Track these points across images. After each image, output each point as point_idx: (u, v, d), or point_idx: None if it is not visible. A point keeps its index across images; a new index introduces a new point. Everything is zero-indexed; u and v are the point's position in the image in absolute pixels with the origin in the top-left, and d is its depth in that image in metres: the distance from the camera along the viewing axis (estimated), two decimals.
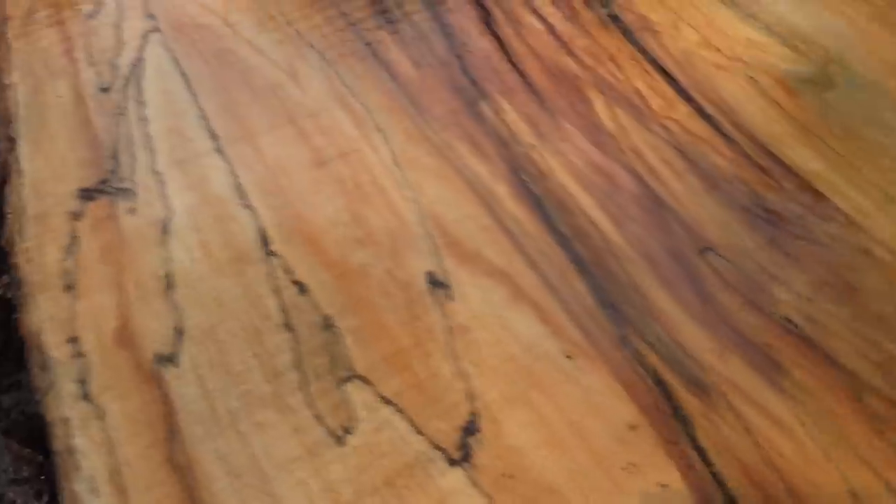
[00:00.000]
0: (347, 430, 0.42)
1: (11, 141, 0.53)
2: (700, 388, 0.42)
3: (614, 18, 0.60)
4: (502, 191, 0.52)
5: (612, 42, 0.59)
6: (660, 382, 0.43)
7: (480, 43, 0.60)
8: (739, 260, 0.47)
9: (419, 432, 0.42)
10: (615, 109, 0.55)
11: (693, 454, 0.40)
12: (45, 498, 0.46)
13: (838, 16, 0.60)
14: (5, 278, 0.50)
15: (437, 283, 0.47)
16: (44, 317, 0.44)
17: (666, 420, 0.41)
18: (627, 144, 0.53)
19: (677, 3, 0.61)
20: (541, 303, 0.46)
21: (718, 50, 0.58)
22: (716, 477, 0.39)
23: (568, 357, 0.44)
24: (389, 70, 0.59)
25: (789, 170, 0.51)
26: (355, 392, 0.44)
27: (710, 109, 0.54)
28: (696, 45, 0.58)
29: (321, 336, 0.46)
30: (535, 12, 0.62)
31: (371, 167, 0.54)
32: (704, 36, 0.59)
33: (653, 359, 0.44)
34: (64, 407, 0.41)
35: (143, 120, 0.55)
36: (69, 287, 0.46)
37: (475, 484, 0.39)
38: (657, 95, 0.55)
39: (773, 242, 0.48)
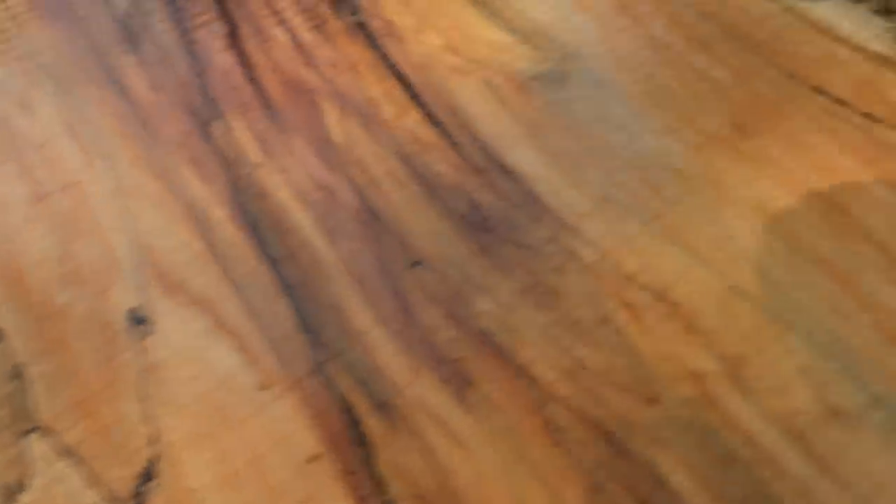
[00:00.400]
0: (21, 487, 0.40)
1: None
2: (387, 411, 0.41)
3: (361, 26, 0.59)
4: (221, 214, 0.50)
5: (355, 50, 0.57)
6: (348, 409, 0.41)
7: (223, 59, 0.58)
8: (448, 271, 0.46)
9: (95, 483, 0.40)
10: (347, 120, 0.53)
11: (369, 483, 0.39)
12: None
13: (583, 10, 0.59)
14: None
15: (137, 319, 0.45)
16: None
17: (349, 448, 0.40)
18: (354, 156, 0.52)
19: (425, 6, 0.60)
20: (241, 331, 0.45)
21: (459, 53, 0.57)
22: None
23: (262, 388, 0.43)
24: (126, 94, 0.57)
25: (510, 173, 0.50)
26: (36, 444, 0.41)
27: (441, 115, 0.53)
28: (438, 49, 0.57)
29: (8, 386, 0.43)
30: (283, 24, 0.60)
31: (90, 198, 0.51)
32: (448, 39, 0.58)
33: (346, 383, 0.42)
34: None
35: None
36: None
37: None
38: (391, 103, 0.54)
39: (484, 250, 0.47)
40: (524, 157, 0.51)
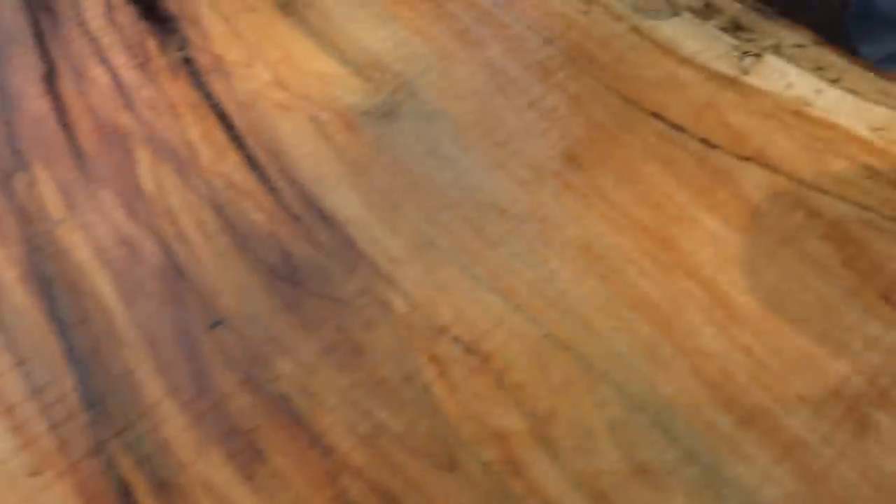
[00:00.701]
0: None
1: None
2: (168, 492, 0.38)
3: (188, 61, 0.56)
4: (12, 277, 0.46)
5: (177, 89, 0.54)
6: (126, 491, 0.38)
7: (36, 104, 0.55)
8: (250, 330, 0.43)
9: None
10: (160, 167, 0.50)
11: None
12: None
13: (419, 36, 0.57)
14: None
15: None
16: None
17: None
18: (163, 207, 0.48)
19: (257, 37, 0.57)
20: (18, 410, 0.41)
21: (288, 88, 0.54)
22: None
23: (33, 474, 0.39)
24: None
25: (328, 219, 0.47)
26: None
27: (262, 157, 0.50)
28: (265, 84, 0.54)
29: None
30: (105, 62, 0.56)
31: None
32: (276, 74, 0.55)
33: (127, 463, 0.39)
34: None
35: None
36: None
37: None
38: (210, 146, 0.51)
39: (292, 306, 0.44)
40: (344, 201, 0.48)
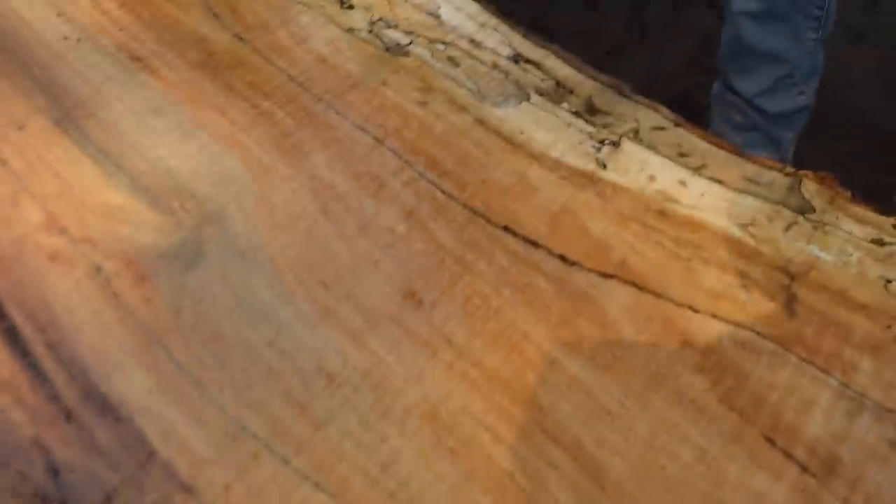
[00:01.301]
0: None
1: None
2: None
3: None
4: None
5: None
6: None
7: None
8: None
9: None
10: None
11: None
12: None
13: (231, 148, 0.49)
14: None
15: None
16: None
17: None
18: None
19: (24, 164, 0.48)
20: None
21: (64, 230, 0.45)
22: None
23: None
24: None
25: (110, 409, 0.38)
26: None
27: (27, 330, 0.41)
28: (35, 227, 0.45)
29: None
30: None
31: None
32: (51, 211, 0.45)
33: None
34: None
35: None
36: None
37: None
38: None
39: None
40: (132, 384, 0.39)
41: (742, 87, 1.02)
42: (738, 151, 0.49)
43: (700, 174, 0.48)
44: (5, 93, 0.52)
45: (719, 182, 0.47)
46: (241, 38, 0.56)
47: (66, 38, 0.55)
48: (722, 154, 0.49)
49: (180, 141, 0.49)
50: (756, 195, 0.47)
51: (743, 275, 0.43)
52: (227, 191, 0.47)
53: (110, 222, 0.45)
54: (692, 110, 1.29)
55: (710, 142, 0.50)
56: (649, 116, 0.51)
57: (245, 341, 0.41)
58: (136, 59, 0.54)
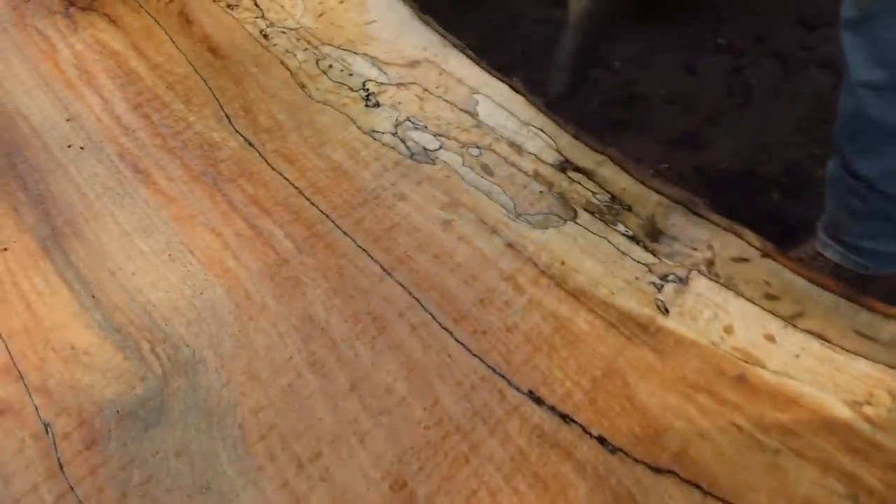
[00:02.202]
0: None
1: None
2: None
3: None
4: None
5: None
6: None
7: None
8: None
9: None
10: None
11: None
12: None
13: (219, 276, 0.43)
14: None
15: None
16: None
17: None
18: None
19: (0, 294, 0.44)
20: None
21: (22, 376, 0.40)
22: None
23: None
24: None
25: None
26: None
27: None
28: None
29: None
30: None
31: None
32: (14, 351, 0.41)
33: None
34: None
35: None
36: None
37: None
38: None
39: None
40: None
41: (863, 168, 0.88)
42: (849, 293, 0.38)
43: (795, 325, 0.38)
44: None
45: (821, 338, 0.37)
46: (250, 144, 0.51)
47: (69, 145, 0.52)
48: (826, 297, 0.38)
49: (166, 266, 0.44)
50: (873, 359, 0.36)
51: (852, 479, 0.32)
52: (205, 331, 0.41)
53: (73, 368, 0.40)
54: (804, 187, 1.16)
55: (809, 279, 0.39)
56: (729, 243, 0.42)
57: None
58: (138, 170, 0.50)
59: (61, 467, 0.36)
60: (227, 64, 0.58)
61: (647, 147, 1.16)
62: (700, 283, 0.40)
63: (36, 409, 0.39)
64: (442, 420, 0.36)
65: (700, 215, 0.43)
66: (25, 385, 0.40)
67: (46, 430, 0.38)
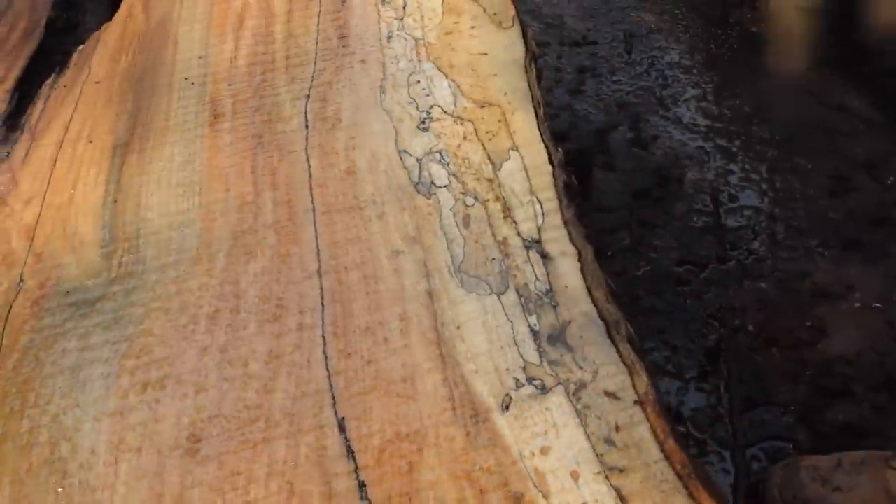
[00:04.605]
0: None
1: None
2: None
3: None
4: None
5: None
6: None
7: None
8: None
9: None
10: None
11: None
12: None
13: (203, 222, 0.54)
14: None
15: None
16: None
17: None
18: None
19: (65, 172, 0.59)
20: None
21: (33, 238, 0.55)
22: None
23: None
24: None
25: None
26: None
27: None
28: (18, 231, 0.56)
29: None
30: None
31: None
32: (43, 216, 0.56)
33: None
34: None
35: None
36: None
37: None
38: None
39: None
40: None
41: None
42: (688, 481, 0.39)
43: (608, 478, 0.39)
44: (108, 112, 0.65)
45: (621, 500, 0.38)
46: (306, 126, 0.62)
47: (186, 77, 0.68)
48: (660, 472, 0.39)
49: (177, 197, 0.57)
50: None
51: None
52: (161, 260, 0.53)
53: (66, 247, 0.54)
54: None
55: (662, 448, 0.40)
56: (616, 377, 0.44)
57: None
58: (215, 113, 0.64)
59: (9, 311, 0.51)
60: (343, 53, 0.69)
61: None
62: (555, 400, 0.43)
63: (24, 266, 0.54)
64: (262, 405, 0.44)
65: (612, 340, 0.45)
66: (31, 246, 0.55)
67: (19, 283, 0.52)
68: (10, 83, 0.72)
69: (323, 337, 0.47)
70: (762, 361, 0.97)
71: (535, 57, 0.69)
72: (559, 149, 0.58)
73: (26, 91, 0.71)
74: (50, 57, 0.76)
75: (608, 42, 1.51)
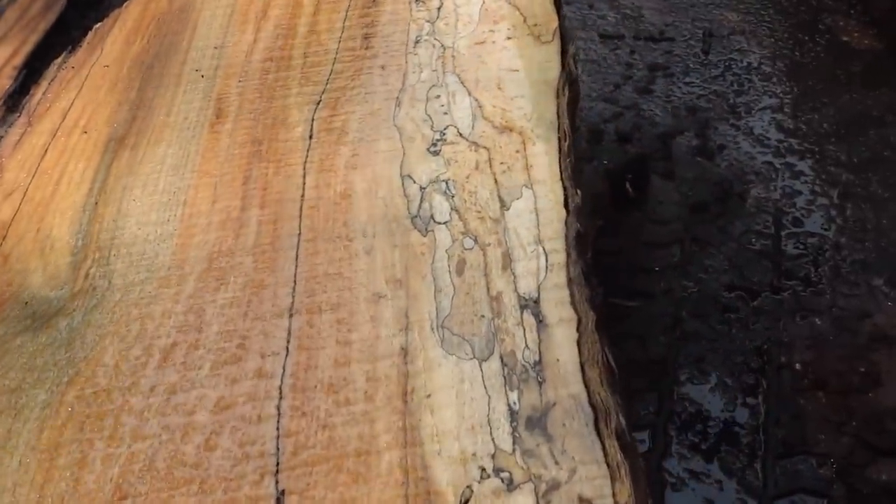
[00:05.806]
0: None
1: None
2: None
3: None
4: None
5: None
6: None
7: None
8: None
9: None
10: None
11: None
12: None
13: (189, 233, 0.51)
14: None
15: None
16: None
17: None
18: None
19: (53, 166, 0.56)
20: None
21: (6, 237, 0.52)
22: None
23: None
24: None
25: None
26: None
27: None
28: None
29: None
30: None
31: None
32: (25, 211, 0.53)
33: None
34: None
35: None
36: None
37: None
38: None
39: None
40: None
41: None
42: None
43: None
44: (110, 100, 0.62)
45: None
46: (310, 136, 0.57)
47: (197, 69, 0.64)
48: None
49: (158, 206, 0.53)
50: None
51: None
52: (130, 277, 0.49)
53: (36, 249, 0.51)
54: None
55: None
56: (593, 479, 0.38)
57: None
58: (218, 114, 0.60)
59: None
60: (364, 55, 0.64)
61: None
62: (521, 501, 0.37)
63: None
64: (199, 464, 0.40)
65: (599, 434, 0.40)
66: (1, 246, 0.52)
67: None
68: (20, 58, 0.69)
69: (280, 389, 0.43)
70: (805, 405, 0.89)
71: (575, 79, 0.62)
72: (578, 191, 0.52)
73: (37, 67, 0.68)
74: (69, 31, 0.73)
75: (685, 39, 1.42)
